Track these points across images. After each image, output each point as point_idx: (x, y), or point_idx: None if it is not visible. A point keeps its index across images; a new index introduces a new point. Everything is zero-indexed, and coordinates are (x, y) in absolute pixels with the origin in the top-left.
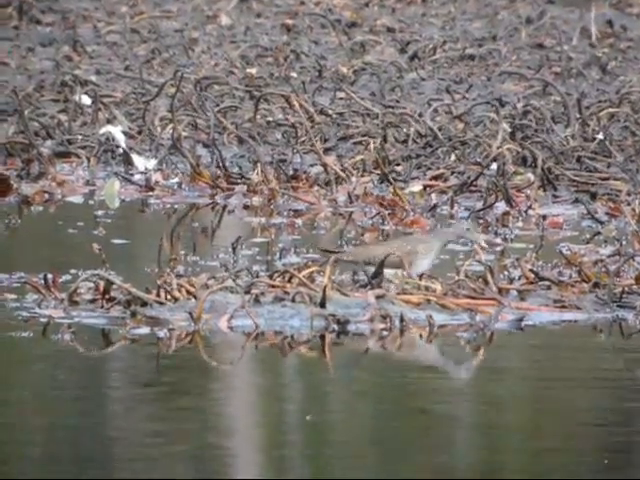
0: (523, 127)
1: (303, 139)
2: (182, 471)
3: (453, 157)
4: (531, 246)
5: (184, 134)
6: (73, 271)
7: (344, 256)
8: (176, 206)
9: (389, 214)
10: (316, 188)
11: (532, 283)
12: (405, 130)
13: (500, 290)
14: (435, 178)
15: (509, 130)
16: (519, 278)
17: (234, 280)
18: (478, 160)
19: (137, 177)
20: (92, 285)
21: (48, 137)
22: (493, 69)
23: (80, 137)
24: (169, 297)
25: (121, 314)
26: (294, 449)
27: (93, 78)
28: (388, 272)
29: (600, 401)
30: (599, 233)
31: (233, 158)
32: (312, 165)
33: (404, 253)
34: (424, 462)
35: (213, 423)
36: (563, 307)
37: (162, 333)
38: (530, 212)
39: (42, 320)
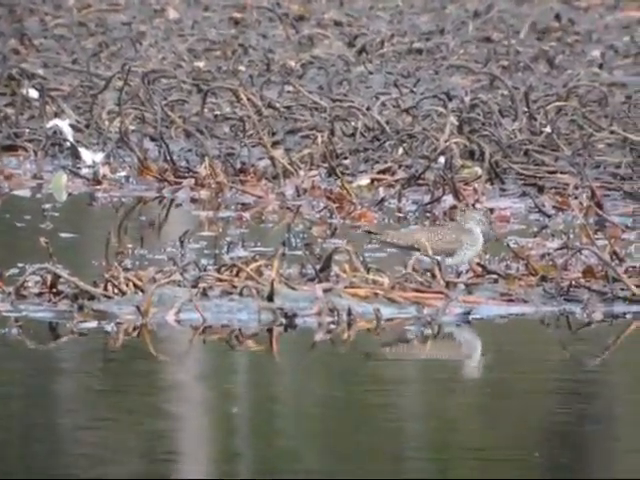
0: (471, 120)
1: (251, 133)
2: (128, 463)
3: (401, 151)
4: None
5: (131, 127)
6: (20, 265)
7: (387, 238)
8: (124, 199)
9: (337, 208)
10: (264, 182)
11: (479, 276)
12: (353, 124)
13: (447, 283)
14: (383, 172)
15: (457, 123)
16: (467, 272)
17: (182, 274)
18: (426, 154)
19: (85, 170)
20: (39, 279)
21: None
22: (441, 63)
23: (27, 130)
24: (117, 291)
25: (68, 308)
26: (240, 442)
27: (40, 71)
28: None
29: (547, 390)
30: (546, 226)
31: (181, 152)
32: (260, 159)
33: (448, 241)
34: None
35: (160, 415)
36: (510, 300)
37: (109, 327)
38: (477, 205)
39: None
